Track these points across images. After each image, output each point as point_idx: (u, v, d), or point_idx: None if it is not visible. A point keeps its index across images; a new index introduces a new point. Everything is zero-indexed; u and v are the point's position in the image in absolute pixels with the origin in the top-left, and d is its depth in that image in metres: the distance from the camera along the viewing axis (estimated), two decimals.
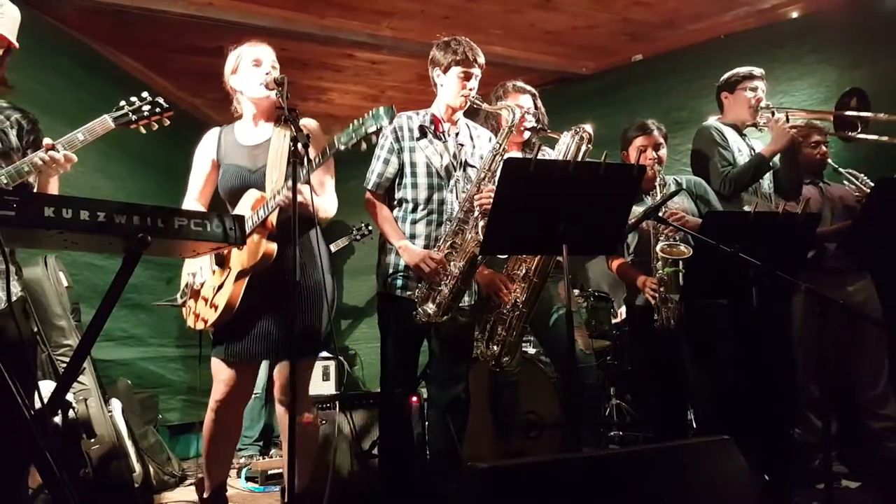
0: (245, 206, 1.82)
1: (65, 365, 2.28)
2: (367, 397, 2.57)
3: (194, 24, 3.06)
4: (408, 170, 2.04)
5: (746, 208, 2.30)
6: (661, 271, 2.14)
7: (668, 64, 3.53)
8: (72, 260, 2.82)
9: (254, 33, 1.98)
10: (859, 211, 2.10)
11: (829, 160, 2.63)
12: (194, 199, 1.98)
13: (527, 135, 2.29)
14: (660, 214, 2.00)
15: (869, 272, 2.48)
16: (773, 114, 2.48)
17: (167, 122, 1.80)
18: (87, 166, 2.89)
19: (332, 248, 3.97)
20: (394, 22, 3.26)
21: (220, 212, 1.36)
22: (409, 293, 1.99)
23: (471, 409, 2.11)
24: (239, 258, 1.79)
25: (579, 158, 2.03)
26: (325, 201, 1.89)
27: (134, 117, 1.74)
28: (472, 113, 2.20)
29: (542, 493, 1.12)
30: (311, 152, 1.69)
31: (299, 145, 1.57)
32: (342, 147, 1.69)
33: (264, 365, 2.97)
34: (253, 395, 2.51)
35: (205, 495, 1.90)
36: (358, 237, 4.06)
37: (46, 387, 2.06)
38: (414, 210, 2.04)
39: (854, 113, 2.24)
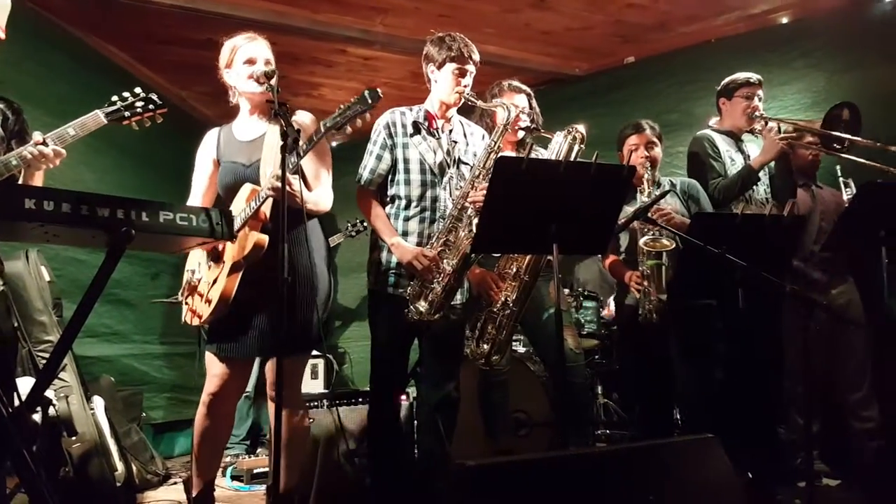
0: (240, 200, 1.81)
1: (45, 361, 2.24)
2: (357, 395, 2.55)
3: (184, 16, 3.02)
4: (401, 166, 2.02)
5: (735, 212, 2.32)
6: (643, 265, 2.15)
7: (660, 66, 3.55)
8: (54, 254, 2.77)
9: (244, 26, 1.95)
10: (842, 214, 2.13)
11: (838, 167, 2.63)
12: (197, 201, 1.96)
13: (521, 134, 2.29)
14: (648, 215, 2.01)
15: (851, 276, 2.51)
16: (765, 123, 2.49)
17: (160, 120, 1.77)
18: (72, 158, 2.83)
19: (330, 242, 3.95)
20: (388, 19, 3.24)
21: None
22: (400, 291, 1.98)
23: (460, 407, 2.10)
24: (232, 252, 1.78)
25: (572, 158, 2.03)
26: (320, 194, 1.87)
27: (127, 113, 1.71)
28: (466, 111, 2.19)
29: (530, 491, 1.12)
30: (302, 146, 1.67)
31: (288, 140, 1.55)
32: (328, 129, 1.68)
33: (256, 362, 2.94)
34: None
35: (193, 493, 1.87)
36: (353, 233, 4.05)
37: (27, 383, 2.02)
38: (407, 207, 2.02)
39: (840, 134, 2.29)
